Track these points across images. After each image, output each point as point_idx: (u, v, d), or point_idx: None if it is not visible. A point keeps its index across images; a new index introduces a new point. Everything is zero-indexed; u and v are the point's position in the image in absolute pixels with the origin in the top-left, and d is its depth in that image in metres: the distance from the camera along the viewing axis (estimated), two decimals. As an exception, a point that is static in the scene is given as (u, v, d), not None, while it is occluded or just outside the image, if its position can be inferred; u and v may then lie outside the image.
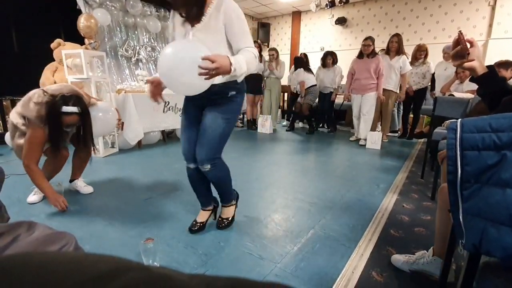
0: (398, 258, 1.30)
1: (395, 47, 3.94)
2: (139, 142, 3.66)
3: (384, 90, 3.98)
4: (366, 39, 3.87)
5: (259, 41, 5.25)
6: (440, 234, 1.18)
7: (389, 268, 1.28)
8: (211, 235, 1.54)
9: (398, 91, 4.17)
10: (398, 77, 4.05)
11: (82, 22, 3.89)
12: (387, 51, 4.05)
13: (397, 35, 3.95)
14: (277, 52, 5.05)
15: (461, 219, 0.69)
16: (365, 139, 3.98)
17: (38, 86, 3.65)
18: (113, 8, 4.56)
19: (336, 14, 7.08)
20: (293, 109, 5.29)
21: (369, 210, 1.88)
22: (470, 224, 0.68)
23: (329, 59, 4.86)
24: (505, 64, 2.85)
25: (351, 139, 4.32)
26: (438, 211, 1.19)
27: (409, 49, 4.55)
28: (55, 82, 3.68)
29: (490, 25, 5.34)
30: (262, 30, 8.21)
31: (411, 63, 4.22)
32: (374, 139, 3.85)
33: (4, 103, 3.78)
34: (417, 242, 1.50)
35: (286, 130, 5.24)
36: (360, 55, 3.94)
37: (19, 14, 4.10)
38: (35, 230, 0.59)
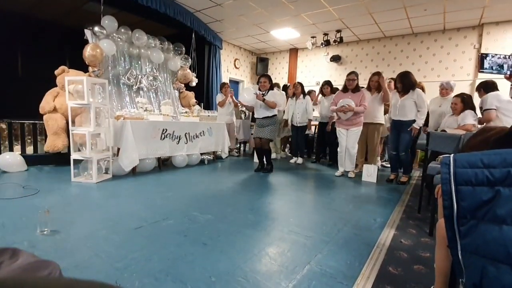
0: (398, 298, 1.24)
1: (374, 86, 4.06)
2: (134, 169, 3.62)
3: (370, 124, 4.04)
4: (350, 73, 3.98)
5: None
6: (440, 272, 1.15)
7: (388, 309, 1.22)
8: (201, 268, 1.47)
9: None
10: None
11: (88, 51, 4.04)
12: (369, 88, 4.15)
13: (378, 73, 4.08)
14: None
15: (460, 256, 0.68)
16: (353, 171, 4.02)
17: (37, 110, 3.71)
18: (119, 39, 4.77)
19: (331, 52, 7.48)
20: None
21: (367, 245, 1.83)
22: (469, 261, 0.66)
23: (325, 88, 5.00)
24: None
25: (336, 174, 4.15)
26: (436, 248, 1.16)
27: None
28: (55, 107, 3.72)
29: (476, 66, 5.66)
30: (260, 64, 8.61)
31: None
32: (370, 172, 3.84)
33: (1, 125, 3.77)
34: (417, 280, 1.44)
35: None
36: (345, 89, 4.03)
37: (26, 39, 4.25)
38: (19, 258, 0.56)
